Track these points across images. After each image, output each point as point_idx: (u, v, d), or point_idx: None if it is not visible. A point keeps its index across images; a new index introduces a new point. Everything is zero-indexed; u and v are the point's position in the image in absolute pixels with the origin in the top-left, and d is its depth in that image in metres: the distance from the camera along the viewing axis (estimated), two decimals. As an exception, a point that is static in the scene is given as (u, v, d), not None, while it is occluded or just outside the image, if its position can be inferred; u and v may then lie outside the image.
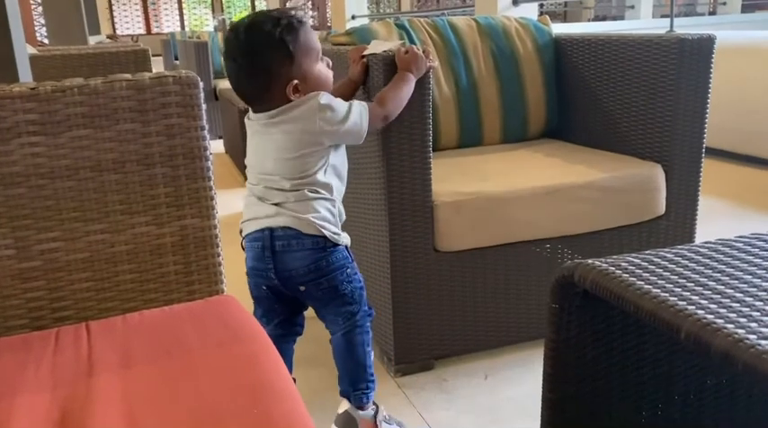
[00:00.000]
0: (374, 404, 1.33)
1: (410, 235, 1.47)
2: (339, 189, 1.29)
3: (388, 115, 1.33)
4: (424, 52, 1.39)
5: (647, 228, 1.68)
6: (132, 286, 1.00)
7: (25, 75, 1.70)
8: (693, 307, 0.66)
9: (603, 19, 12.34)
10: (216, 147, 4.56)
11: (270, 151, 1.23)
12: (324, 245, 1.22)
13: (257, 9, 20.33)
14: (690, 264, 0.78)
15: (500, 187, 1.53)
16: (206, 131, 1.00)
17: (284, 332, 1.33)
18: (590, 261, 0.80)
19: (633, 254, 0.83)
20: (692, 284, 0.72)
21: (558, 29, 2.15)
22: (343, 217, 1.30)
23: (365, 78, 1.45)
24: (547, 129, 2.03)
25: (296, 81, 1.21)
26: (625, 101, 1.78)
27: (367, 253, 1.60)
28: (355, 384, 1.31)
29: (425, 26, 1.95)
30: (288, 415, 0.70)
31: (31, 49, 3.26)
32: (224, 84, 4.82)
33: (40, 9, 9.97)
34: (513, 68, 1.96)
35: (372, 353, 1.34)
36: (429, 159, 1.44)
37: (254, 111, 1.26)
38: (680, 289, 0.71)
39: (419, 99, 1.39)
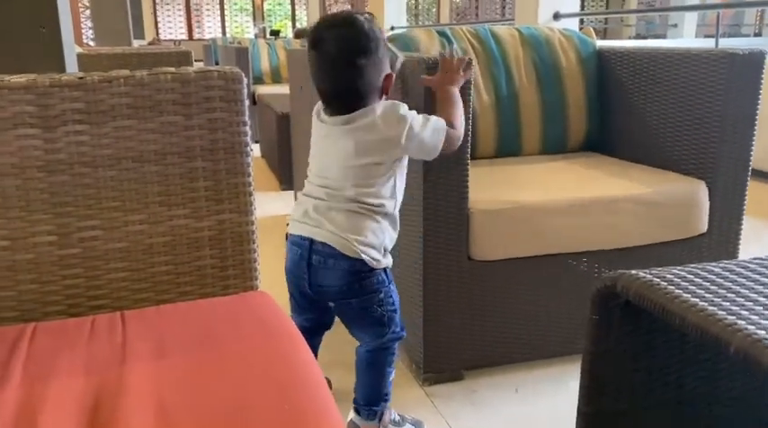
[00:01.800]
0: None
1: (444, 242, 1.45)
2: (396, 206, 1.26)
3: (461, 137, 1.29)
4: (463, 61, 1.34)
5: (689, 246, 1.63)
6: (168, 278, 1.00)
7: (72, 69, 1.73)
8: (743, 321, 0.63)
9: (644, 37, 12.20)
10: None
11: (338, 156, 1.20)
12: (360, 268, 1.19)
13: (297, 19, 20.57)
14: (738, 279, 0.76)
15: (537, 197, 1.50)
16: (248, 127, 1.00)
17: (313, 325, 1.33)
18: (633, 271, 0.78)
19: (678, 267, 0.80)
20: (741, 299, 0.70)
21: (600, 45, 2.12)
22: (395, 234, 1.27)
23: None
24: (587, 141, 2.00)
25: (393, 75, 1.21)
26: (669, 115, 1.74)
27: (400, 257, 1.59)
28: (368, 401, 1.31)
29: (467, 34, 1.94)
30: (318, 412, 0.69)
31: (78, 49, 3.34)
32: (262, 90, 4.87)
33: (87, 12, 10.24)
34: (554, 79, 1.93)
35: (393, 374, 1.32)
36: (466, 166, 1.42)
37: (332, 113, 1.22)
38: (728, 304, 0.68)
39: (459, 104, 1.37)
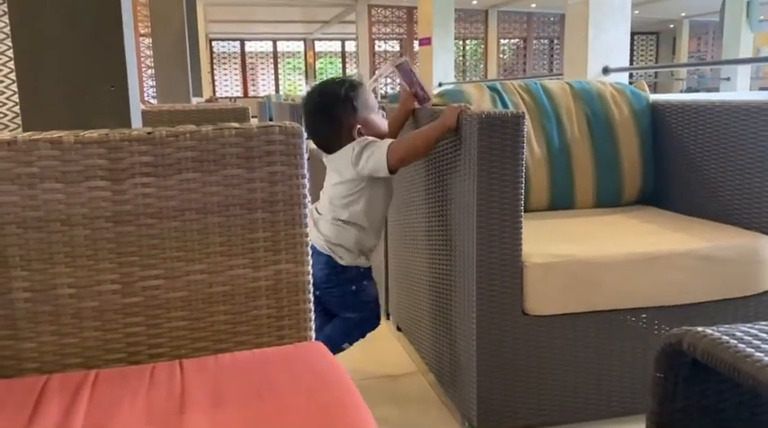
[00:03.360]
0: None
1: (498, 295, 1.43)
2: (374, 224, 1.60)
3: (403, 159, 1.51)
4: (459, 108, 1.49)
5: (754, 303, 1.57)
6: (226, 327, 1.02)
7: (137, 124, 1.82)
8: (823, 383, 0.60)
9: (696, 91, 12.06)
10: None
11: (327, 183, 1.61)
12: (334, 264, 1.57)
13: (348, 76, 21.13)
14: (814, 338, 0.72)
15: (594, 251, 1.48)
16: (306, 179, 1.02)
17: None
18: (700, 329, 0.75)
19: (747, 324, 0.77)
20: (819, 359, 0.66)
21: (654, 98, 2.11)
22: (367, 242, 1.60)
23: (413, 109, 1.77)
24: (642, 195, 1.97)
25: (359, 126, 1.57)
26: (728, 168, 1.70)
27: (452, 307, 1.57)
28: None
29: (517, 88, 1.96)
30: (376, 468, 0.68)
31: (141, 106, 3.50)
32: (314, 144, 4.98)
33: (149, 72, 10.77)
34: (607, 132, 1.92)
35: (345, 349, 1.62)
36: (520, 218, 1.41)
37: (328, 153, 1.61)
38: (805, 363, 0.65)
39: (512, 158, 1.38)
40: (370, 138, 1.56)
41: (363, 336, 1.66)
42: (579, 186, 1.90)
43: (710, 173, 1.76)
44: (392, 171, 1.50)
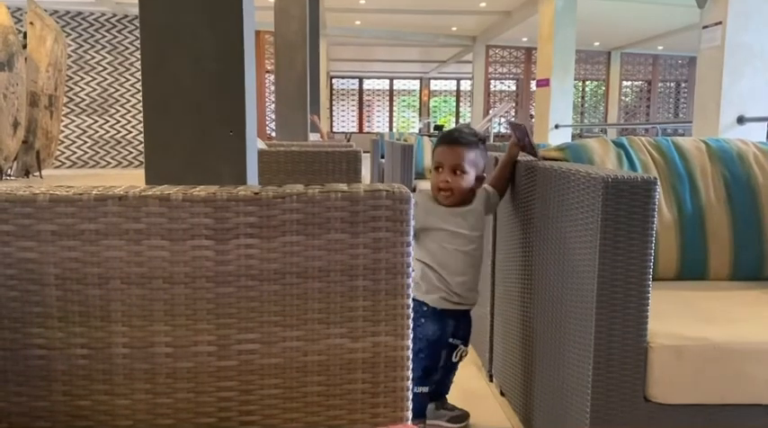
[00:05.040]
0: None
1: (617, 378, 1.29)
2: (446, 267, 1.67)
3: None
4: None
5: None
6: (319, 399, 0.96)
7: (252, 169, 1.84)
8: None
9: None
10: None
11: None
12: None
13: (461, 115, 21.22)
14: None
15: (733, 335, 1.30)
16: (411, 247, 0.96)
17: None
18: None
19: None
20: None
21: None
22: (442, 289, 1.67)
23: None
24: (788, 269, 1.74)
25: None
26: None
27: (564, 384, 1.44)
28: None
29: (646, 145, 1.82)
30: None
31: (261, 144, 3.62)
32: (423, 185, 4.95)
33: (272, 106, 11.30)
34: (748, 198, 1.73)
35: (418, 392, 1.63)
36: (647, 296, 1.27)
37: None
38: None
39: (641, 228, 1.25)
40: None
41: (426, 376, 1.70)
42: (714, 255, 1.72)
43: None
44: None
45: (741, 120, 4.98)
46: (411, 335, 1.53)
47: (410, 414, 0.98)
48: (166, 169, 1.72)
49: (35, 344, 0.92)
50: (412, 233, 0.96)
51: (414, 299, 1.51)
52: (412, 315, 1.49)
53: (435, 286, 1.68)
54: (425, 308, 1.67)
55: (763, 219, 1.73)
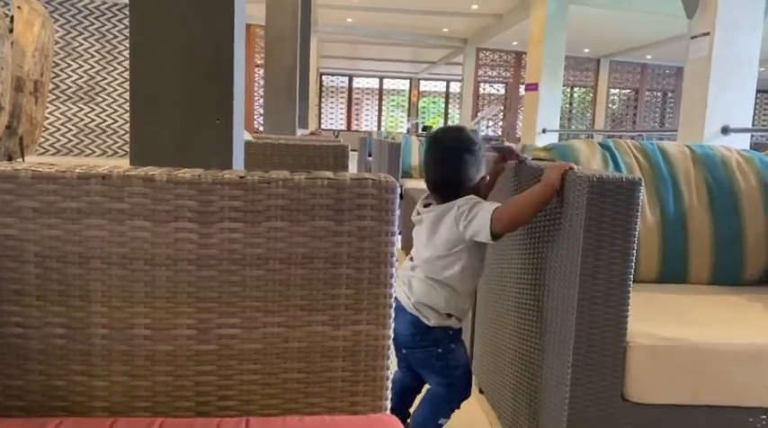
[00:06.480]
0: None
1: (596, 377, 1.30)
2: (467, 289, 1.49)
3: (507, 225, 1.40)
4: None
5: None
6: (298, 386, 0.96)
7: (238, 158, 1.83)
8: None
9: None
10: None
11: (424, 239, 1.50)
12: (419, 324, 1.46)
13: (449, 117, 21.27)
14: None
15: (710, 337, 1.32)
16: (395, 237, 0.96)
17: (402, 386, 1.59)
18: None
19: None
20: None
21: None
22: (461, 304, 1.50)
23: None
24: (767, 275, 1.77)
25: (487, 178, 1.56)
26: None
27: (542, 382, 1.44)
28: None
29: (632, 148, 1.83)
30: None
31: (248, 136, 3.60)
32: (410, 184, 4.95)
33: (261, 101, 11.27)
34: (730, 203, 1.75)
35: (443, 425, 1.50)
36: (628, 296, 1.28)
37: (426, 205, 1.53)
38: None
39: (624, 228, 1.26)
40: (477, 198, 1.47)
41: (457, 407, 1.52)
42: (694, 259, 1.73)
43: None
44: (495, 237, 1.39)
45: (726, 130, 5.02)
46: (441, 366, 1.48)
47: (389, 404, 0.98)
48: (152, 156, 1.70)
49: (11, 322, 0.90)
50: (397, 223, 0.96)
51: (439, 327, 1.46)
52: (437, 342, 1.45)
53: (456, 307, 1.50)
54: (451, 332, 1.50)
55: (744, 225, 1.75)
